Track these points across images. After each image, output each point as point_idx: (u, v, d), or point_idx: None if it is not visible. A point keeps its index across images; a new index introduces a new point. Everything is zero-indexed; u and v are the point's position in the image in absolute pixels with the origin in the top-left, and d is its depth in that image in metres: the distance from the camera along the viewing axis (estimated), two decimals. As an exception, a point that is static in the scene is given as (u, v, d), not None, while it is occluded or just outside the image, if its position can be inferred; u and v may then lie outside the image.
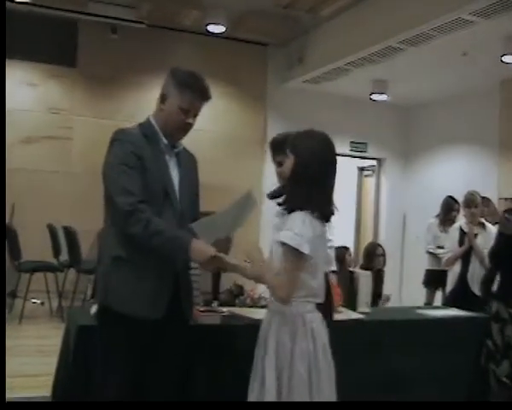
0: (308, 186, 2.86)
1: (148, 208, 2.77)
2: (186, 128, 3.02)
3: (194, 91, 2.97)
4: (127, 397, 2.82)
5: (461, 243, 6.05)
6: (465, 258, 6.01)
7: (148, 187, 2.84)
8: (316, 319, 2.87)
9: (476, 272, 5.93)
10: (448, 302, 5.88)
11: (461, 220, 6.36)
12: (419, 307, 5.26)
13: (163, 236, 2.76)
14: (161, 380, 2.95)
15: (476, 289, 5.86)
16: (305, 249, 2.72)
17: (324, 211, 2.90)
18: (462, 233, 6.06)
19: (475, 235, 5.99)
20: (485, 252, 5.74)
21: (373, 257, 6.54)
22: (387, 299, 6.58)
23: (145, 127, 2.99)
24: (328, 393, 2.84)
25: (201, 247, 2.78)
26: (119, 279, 2.84)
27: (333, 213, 2.95)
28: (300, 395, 2.75)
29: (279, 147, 3.66)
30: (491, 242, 5.43)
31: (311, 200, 2.83)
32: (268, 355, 2.79)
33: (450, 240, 6.24)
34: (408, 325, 4.42)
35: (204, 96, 3.02)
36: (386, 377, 4.06)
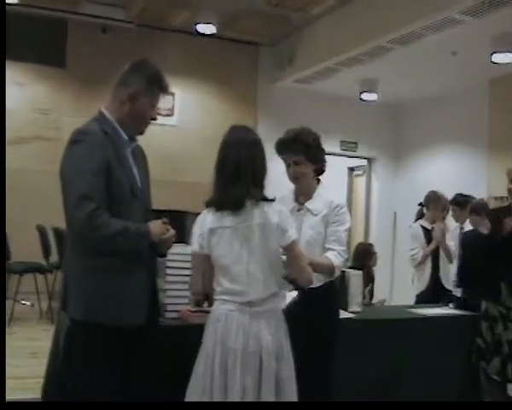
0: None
1: (104, 212, 2.70)
2: (151, 121, 3.03)
3: (162, 88, 3.00)
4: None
5: (427, 241, 6.12)
6: (434, 257, 6.07)
7: (115, 187, 2.78)
8: (229, 320, 2.84)
9: (447, 269, 6.02)
10: (422, 301, 5.88)
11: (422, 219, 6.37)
12: (410, 306, 5.27)
13: (128, 231, 2.74)
14: (151, 383, 2.93)
15: (448, 285, 5.91)
16: (193, 247, 2.95)
17: (216, 201, 2.93)
18: (426, 231, 6.13)
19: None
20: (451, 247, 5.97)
21: (365, 257, 6.54)
22: (383, 302, 6.60)
23: (104, 124, 2.90)
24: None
25: (155, 223, 2.85)
26: (98, 290, 2.75)
27: (229, 199, 2.89)
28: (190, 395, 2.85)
29: (294, 146, 3.64)
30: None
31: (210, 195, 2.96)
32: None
33: (417, 239, 6.24)
34: (399, 323, 4.43)
35: (168, 91, 3.06)
36: (377, 376, 4.06)
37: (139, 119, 2.96)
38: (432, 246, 6.03)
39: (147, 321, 2.87)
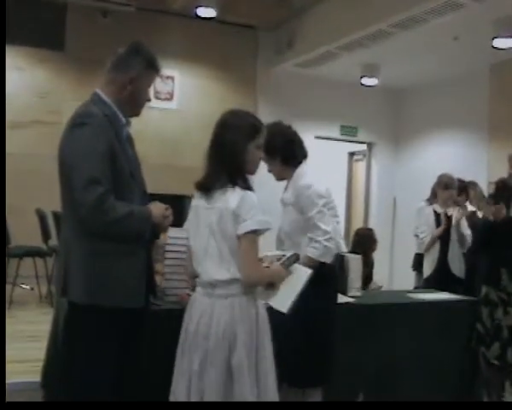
0: None
1: (111, 196, 2.71)
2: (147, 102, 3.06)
3: (158, 70, 3.03)
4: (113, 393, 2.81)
5: (437, 225, 6.05)
6: (443, 240, 6.00)
7: (118, 170, 2.79)
8: (192, 303, 2.89)
9: (456, 254, 5.94)
10: (429, 286, 5.86)
11: (434, 204, 6.31)
12: (409, 291, 5.27)
13: (133, 214, 2.77)
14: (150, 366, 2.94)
15: (457, 270, 5.87)
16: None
17: (196, 183, 2.97)
18: (437, 216, 6.07)
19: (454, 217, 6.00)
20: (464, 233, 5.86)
21: (365, 242, 6.52)
22: (380, 288, 6.59)
23: (103, 107, 2.88)
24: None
25: (156, 204, 2.90)
26: (102, 274, 2.76)
27: (201, 182, 2.93)
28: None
29: None
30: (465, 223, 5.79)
31: None
32: None
33: (426, 224, 6.20)
34: (398, 308, 4.43)
35: (160, 73, 3.09)
36: (376, 361, 4.07)
37: (138, 101, 2.98)
38: (440, 230, 5.98)
39: (145, 304, 2.90)
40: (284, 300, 2.94)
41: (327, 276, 3.52)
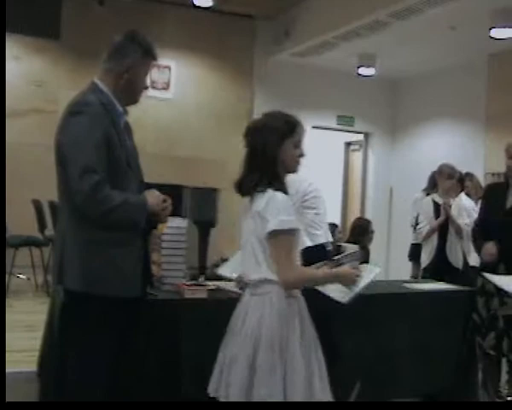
0: None
1: (107, 185, 2.71)
2: (146, 89, 3.06)
3: (154, 57, 3.02)
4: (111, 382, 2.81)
5: (436, 215, 6.04)
6: (442, 230, 5.99)
7: (114, 159, 2.79)
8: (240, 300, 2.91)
9: (454, 244, 5.94)
10: (427, 276, 5.87)
11: (433, 194, 6.31)
12: (406, 281, 5.27)
13: (128, 203, 2.78)
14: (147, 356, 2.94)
15: (454, 261, 5.87)
16: None
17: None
18: (436, 206, 6.06)
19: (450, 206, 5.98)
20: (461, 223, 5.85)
21: (363, 233, 6.53)
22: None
23: (100, 95, 2.88)
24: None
25: (152, 193, 2.89)
26: (99, 262, 2.77)
27: (238, 185, 2.92)
28: None
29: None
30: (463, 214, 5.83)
31: None
32: None
33: (425, 214, 6.20)
34: (395, 298, 4.43)
35: (156, 60, 3.07)
36: (373, 350, 4.07)
37: (135, 89, 2.98)
38: (440, 220, 5.97)
39: (141, 293, 2.91)
40: (344, 291, 2.98)
41: None
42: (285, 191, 2.81)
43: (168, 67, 9.73)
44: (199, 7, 9.00)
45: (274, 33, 10.03)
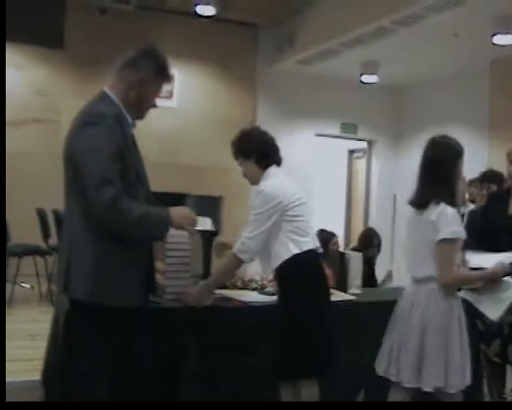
0: None
1: (125, 197, 2.71)
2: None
3: (168, 79, 3.02)
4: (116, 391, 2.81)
5: None
6: None
7: (126, 171, 2.78)
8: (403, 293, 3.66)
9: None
10: None
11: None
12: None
13: (149, 217, 2.77)
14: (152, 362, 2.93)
15: None
16: None
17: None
18: None
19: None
20: None
21: (366, 244, 6.52)
22: (390, 276, 6.59)
23: (112, 106, 2.87)
24: None
25: (179, 210, 2.90)
26: (106, 273, 2.77)
27: (415, 200, 3.64)
28: None
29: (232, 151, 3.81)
30: None
31: None
32: None
33: None
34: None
35: (170, 82, 3.08)
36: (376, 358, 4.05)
37: (143, 104, 2.96)
38: None
39: (144, 302, 2.92)
40: (494, 307, 3.70)
41: (285, 275, 3.55)
42: (454, 205, 3.39)
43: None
44: (201, 15, 9.02)
45: (277, 41, 10.05)
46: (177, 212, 2.87)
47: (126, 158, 2.79)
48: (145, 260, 2.90)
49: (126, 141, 2.85)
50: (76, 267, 2.78)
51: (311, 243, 3.58)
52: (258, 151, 3.65)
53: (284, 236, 3.51)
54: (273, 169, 3.67)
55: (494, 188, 5.31)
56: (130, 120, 2.92)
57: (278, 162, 3.74)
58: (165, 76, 2.99)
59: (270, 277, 3.89)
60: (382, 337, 4.05)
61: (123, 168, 2.76)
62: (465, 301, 4.65)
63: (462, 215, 5.92)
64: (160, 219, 2.82)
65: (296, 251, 3.49)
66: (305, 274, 3.51)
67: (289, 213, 3.53)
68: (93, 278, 2.75)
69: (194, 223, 2.97)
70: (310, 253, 3.54)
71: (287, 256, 3.48)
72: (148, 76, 2.91)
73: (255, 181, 3.67)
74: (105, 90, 2.93)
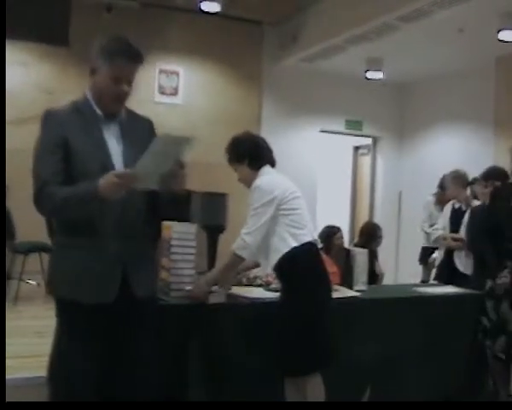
0: None
1: (51, 184, 2.70)
2: (120, 97, 2.86)
3: (121, 57, 2.79)
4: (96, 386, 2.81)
5: (452, 220, 6.03)
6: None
7: (77, 161, 2.75)
8: None
9: (463, 251, 5.91)
10: (435, 278, 5.92)
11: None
12: (415, 285, 5.26)
13: (74, 194, 2.69)
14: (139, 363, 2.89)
15: (462, 266, 5.84)
16: None
17: None
18: (455, 212, 6.05)
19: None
20: None
21: (371, 238, 6.52)
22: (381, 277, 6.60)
23: (79, 102, 2.88)
24: None
25: (107, 175, 2.64)
26: (62, 266, 2.83)
27: None
28: None
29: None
30: None
31: None
32: None
33: (443, 218, 6.22)
34: (404, 302, 4.42)
35: (133, 59, 2.84)
36: (383, 355, 4.06)
37: (101, 93, 2.85)
38: (447, 244, 6.00)
39: (118, 299, 2.80)
40: None
41: (288, 271, 3.56)
42: None
43: (176, 73, 9.75)
44: (206, 12, 9.01)
45: (281, 38, 10.04)
46: (103, 179, 2.64)
47: (81, 152, 2.76)
48: (113, 255, 2.78)
49: (88, 134, 2.80)
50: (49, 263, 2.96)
51: (309, 235, 3.61)
52: (249, 153, 3.74)
53: (281, 230, 3.55)
54: (265, 168, 3.72)
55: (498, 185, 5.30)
56: (99, 112, 2.86)
57: (272, 163, 3.80)
58: (112, 56, 2.79)
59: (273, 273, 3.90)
60: (388, 335, 4.06)
61: (70, 158, 2.75)
62: (472, 297, 4.68)
63: (464, 212, 5.94)
64: (85, 193, 2.67)
65: (294, 244, 3.53)
66: (305, 266, 3.55)
67: (285, 206, 3.57)
68: (53, 272, 2.89)
69: (131, 179, 2.66)
70: (308, 245, 3.57)
71: (285, 250, 3.52)
72: (96, 64, 2.83)
73: (250, 184, 3.70)
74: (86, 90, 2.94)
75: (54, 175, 2.72)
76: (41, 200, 2.73)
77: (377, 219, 10.29)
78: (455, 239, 5.92)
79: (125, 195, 2.72)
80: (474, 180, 6.42)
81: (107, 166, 2.76)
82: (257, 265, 3.95)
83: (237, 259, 3.56)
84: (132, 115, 3.03)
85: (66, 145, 2.75)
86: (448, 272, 5.85)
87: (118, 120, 2.91)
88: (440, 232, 6.15)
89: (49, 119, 2.84)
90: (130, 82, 2.86)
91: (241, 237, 3.52)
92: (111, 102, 2.85)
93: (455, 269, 5.87)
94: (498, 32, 7.50)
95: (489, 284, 4.65)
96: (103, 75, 2.81)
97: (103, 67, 2.80)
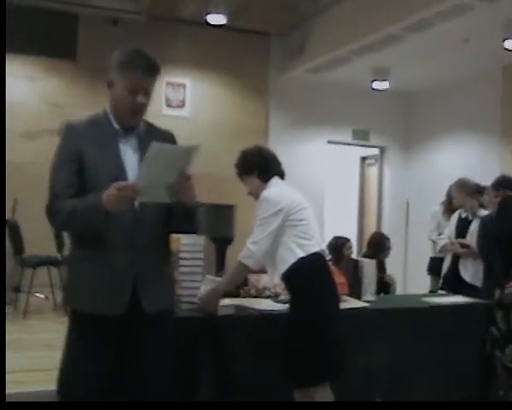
0: None
1: (61, 198, 2.72)
2: (138, 109, 2.84)
3: (137, 69, 2.79)
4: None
5: (458, 230, 6.02)
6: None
7: (90, 175, 2.75)
8: None
9: (469, 260, 5.88)
10: (441, 286, 5.92)
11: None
12: (424, 295, 5.25)
13: (80, 208, 2.68)
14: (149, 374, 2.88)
15: (467, 276, 5.82)
16: None
17: None
18: (461, 221, 6.03)
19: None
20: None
21: (380, 249, 6.51)
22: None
23: (98, 116, 2.91)
24: None
25: (110, 187, 2.61)
26: (74, 278, 2.87)
27: None
28: None
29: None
30: None
31: None
32: None
33: (449, 227, 6.21)
34: (413, 312, 4.42)
35: (148, 70, 2.82)
36: (392, 364, 4.06)
37: (118, 106, 2.85)
38: (453, 250, 5.99)
39: (130, 312, 2.77)
40: None
41: (293, 280, 3.58)
42: None
43: (183, 85, 9.79)
44: (213, 25, 9.05)
45: (288, 50, 10.07)
46: (106, 192, 2.61)
47: (90, 162, 2.77)
48: (123, 267, 2.76)
49: (104, 147, 2.80)
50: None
51: (316, 246, 3.62)
52: (258, 166, 3.76)
53: (289, 240, 3.57)
54: (274, 180, 3.75)
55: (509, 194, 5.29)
56: (116, 126, 2.86)
57: (281, 175, 3.83)
58: (127, 68, 2.80)
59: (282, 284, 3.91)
60: (396, 345, 4.06)
61: (84, 171, 2.77)
62: (481, 307, 4.66)
63: (470, 221, 5.92)
64: (90, 205, 2.66)
65: (301, 255, 3.54)
66: (311, 277, 3.55)
67: (292, 217, 3.59)
68: (65, 284, 3.01)
69: (132, 190, 2.62)
70: (315, 256, 3.58)
71: (292, 260, 3.53)
72: (113, 77, 2.85)
73: (259, 196, 3.72)
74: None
75: (66, 188, 2.74)
76: (52, 213, 2.76)
77: (385, 229, 10.28)
78: (462, 245, 5.90)
79: (138, 208, 2.75)
80: (483, 189, 6.42)
81: (119, 179, 2.71)
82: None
83: (243, 268, 3.59)
84: (152, 128, 3.01)
85: (81, 159, 2.77)
86: (453, 281, 5.84)
87: (136, 133, 2.90)
88: (446, 241, 6.13)
89: (68, 132, 2.88)
90: (147, 94, 2.86)
91: (247, 247, 3.55)
92: (128, 114, 2.84)
93: (460, 277, 5.86)
94: (504, 40, 7.50)
95: (497, 293, 4.64)
96: (120, 88, 2.82)
97: (120, 79, 2.82)
